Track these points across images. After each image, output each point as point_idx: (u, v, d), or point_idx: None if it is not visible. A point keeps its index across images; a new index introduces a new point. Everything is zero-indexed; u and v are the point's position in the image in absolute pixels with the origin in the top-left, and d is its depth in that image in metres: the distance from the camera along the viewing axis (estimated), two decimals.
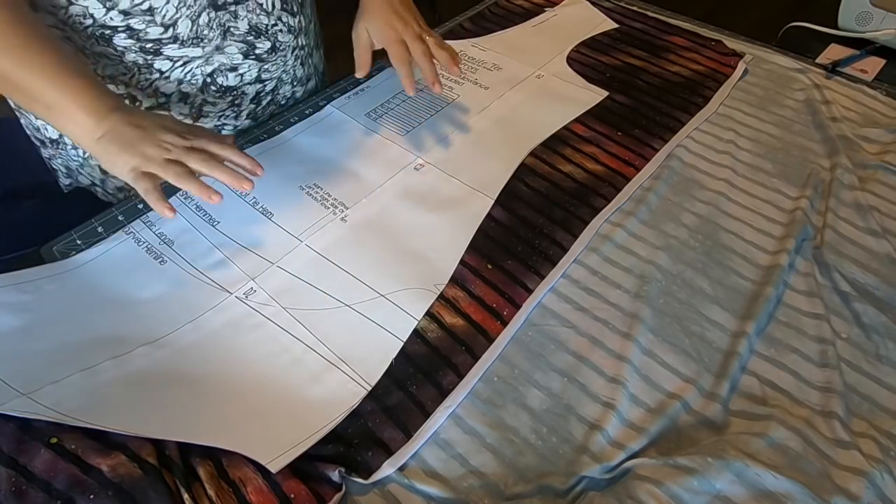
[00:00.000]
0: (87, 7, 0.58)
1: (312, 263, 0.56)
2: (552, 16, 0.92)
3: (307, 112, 0.74)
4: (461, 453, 0.45)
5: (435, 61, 0.68)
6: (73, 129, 0.53)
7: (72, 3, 0.57)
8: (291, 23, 0.71)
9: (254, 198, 0.62)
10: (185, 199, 0.62)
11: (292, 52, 0.73)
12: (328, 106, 0.75)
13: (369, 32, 0.69)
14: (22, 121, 0.70)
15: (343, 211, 0.61)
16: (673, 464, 0.43)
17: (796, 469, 0.44)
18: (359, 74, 0.70)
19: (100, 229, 0.59)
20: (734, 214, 0.62)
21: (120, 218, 0.60)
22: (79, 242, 0.58)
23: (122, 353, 0.49)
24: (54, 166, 0.72)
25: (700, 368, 0.50)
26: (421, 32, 0.68)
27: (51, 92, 0.51)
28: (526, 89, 0.78)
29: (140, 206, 0.61)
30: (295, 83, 0.77)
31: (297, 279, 0.55)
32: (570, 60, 0.83)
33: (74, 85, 0.52)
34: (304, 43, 0.74)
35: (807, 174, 0.66)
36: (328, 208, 0.62)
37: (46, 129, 0.69)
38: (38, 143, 0.72)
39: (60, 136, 0.68)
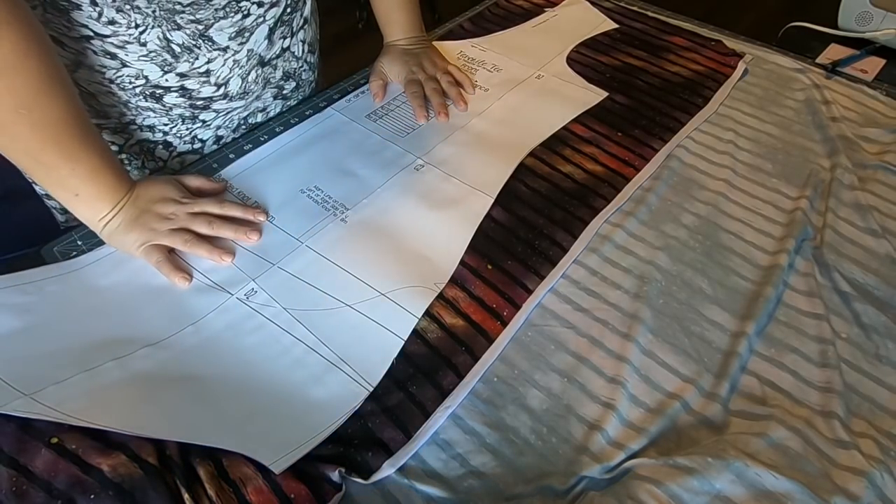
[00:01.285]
0: (142, 70, 0.58)
1: (313, 263, 0.57)
2: (552, 16, 0.92)
3: (307, 113, 0.74)
4: (461, 453, 0.45)
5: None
6: (86, 213, 0.55)
7: (125, 66, 0.57)
8: (312, 60, 0.76)
9: (255, 202, 0.62)
10: None
11: (309, 86, 0.78)
12: (329, 108, 0.75)
13: (387, 71, 0.78)
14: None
15: (344, 212, 0.61)
16: (673, 464, 0.43)
17: (796, 469, 0.44)
18: (378, 101, 0.76)
19: None
20: (734, 215, 0.62)
21: None
22: (79, 243, 0.58)
23: (124, 354, 0.49)
24: (50, 204, 0.71)
25: (700, 368, 0.50)
26: (435, 72, 0.77)
27: (82, 183, 0.53)
28: (526, 90, 0.78)
29: None
30: None
31: (297, 279, 0.55)
32: (570, 61, 0.83)
33: (100, 176, 0.53)
34: (317, 73, 0.80)
35: (807, 174, 0.66)
36: (328, 210, 0.62)
37: None
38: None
39: None
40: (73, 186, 0.52)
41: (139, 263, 0.56)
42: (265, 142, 0.69)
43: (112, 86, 0.59)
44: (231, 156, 0.68)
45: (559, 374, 0.50)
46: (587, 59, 0.83)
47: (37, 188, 0.70)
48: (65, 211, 0.71)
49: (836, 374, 0.49)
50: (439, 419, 0.46)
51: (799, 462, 0.44)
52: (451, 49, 0.85)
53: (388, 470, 0.44)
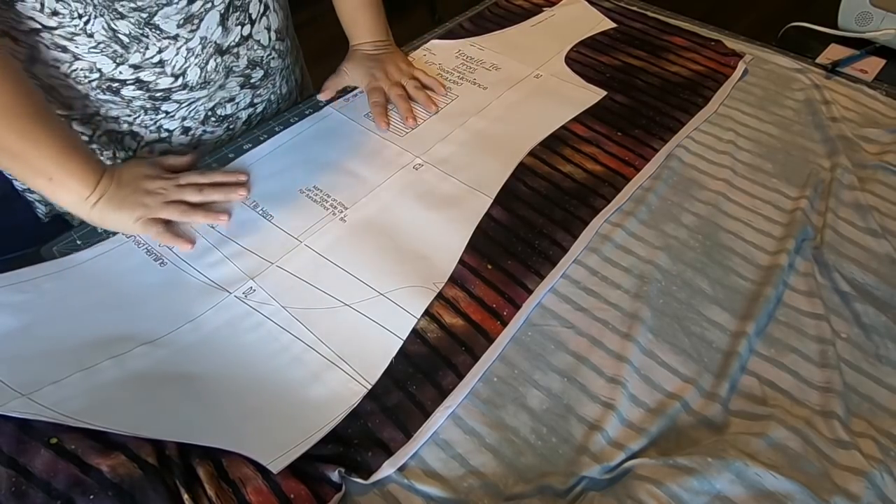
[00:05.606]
0: (94, 62, 0.58)
1: (312, 263, 0.56)
2: (551, 15, 0.92)
3: (306, 113, 0.74)
4: (461, 453, 0.45)
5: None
6: (69, 199, 0.55)
7: (77, 59, 0.57)
8: (281, 48, 0.74)
9: (254, 201, 0.62)
10: None
11: (280, 74, 0.76)
12: (327, 107, 0.75)
13: (350, 75, 0.77)
14: None
15: (342, 211, 0.61)
16: (673, 464, 0.43)
17: (796, 469, 0.43)
18: (320, 97, 0.76)
19: (100, 230, 0.59)
20: (734, 214, 0.62)
21: None
22: (79, 243, 0.58)
23: (121, 352, 0.49)
24: (30, 198, 0.71)
25: (700, 368, 0.50)
26: (401, 77, 0.75)
27: (52, 166, 0.53)
28: (524, 89, 0.78)
29: None
30: (280, 101, 0.79)
31: (296, 278, 0.55)
32: (569, 60, 0.83)
33: (69, 157, 0.54)
34: (289, 62, 0.77)
35: (807, 174, 0.66)
36: (327, 209, 0.62)
37: None
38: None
39: None
40: (45, 170, 0.53)
41: (137, 262, 0.56)
42: (264, 141, 0.69)
43: (68, 80, 0.59)
44: (230, 155, 0.67)
45: (559, 373, 0.50)
46: (586, 59, 0.83)
47: (16, 183, 0.70)
48: (47, 203, 0.71)
49: (836, 374, 0.49)
50: (439, 419, 0.46)
51: (799, 462, 0.44)
52: (450, 48, 0.85)
53: (388, 470, 0.44)
